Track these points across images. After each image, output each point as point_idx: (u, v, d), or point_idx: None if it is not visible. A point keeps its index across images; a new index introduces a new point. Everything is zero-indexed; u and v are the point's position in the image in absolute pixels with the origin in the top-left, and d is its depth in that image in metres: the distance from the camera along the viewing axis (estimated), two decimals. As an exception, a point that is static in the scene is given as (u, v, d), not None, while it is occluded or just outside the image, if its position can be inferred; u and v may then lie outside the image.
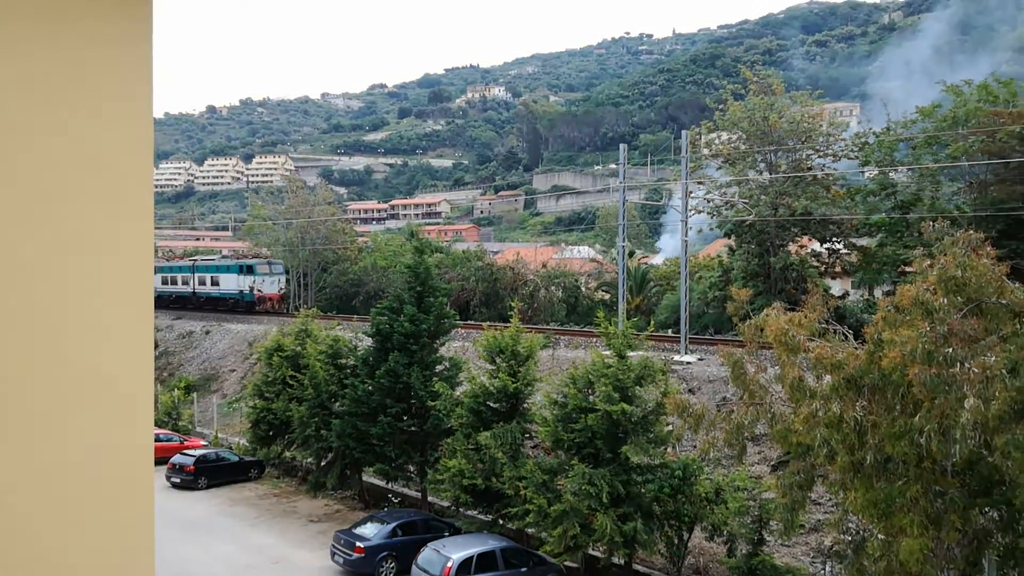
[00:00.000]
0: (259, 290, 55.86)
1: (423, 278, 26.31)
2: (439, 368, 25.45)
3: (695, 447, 18.95)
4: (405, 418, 25.30)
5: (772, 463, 19.83)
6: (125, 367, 2.54)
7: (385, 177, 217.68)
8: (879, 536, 12.00)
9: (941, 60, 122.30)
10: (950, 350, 11.60)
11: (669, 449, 18.92)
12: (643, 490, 17.20)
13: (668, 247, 70.42)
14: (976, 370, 11.29)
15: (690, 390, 24.61)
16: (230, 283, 57.04)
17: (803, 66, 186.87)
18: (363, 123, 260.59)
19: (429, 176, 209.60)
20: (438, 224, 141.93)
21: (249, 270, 56.65)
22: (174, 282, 62.43)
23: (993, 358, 11.91)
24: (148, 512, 2.60)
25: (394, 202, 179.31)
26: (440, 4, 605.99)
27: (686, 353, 28.95)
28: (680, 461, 17.90)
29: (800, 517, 14.04)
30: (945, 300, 12.41)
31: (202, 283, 59.94)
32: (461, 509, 22.25)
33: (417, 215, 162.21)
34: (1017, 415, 11.47)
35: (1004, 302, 12.64)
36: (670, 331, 37.46)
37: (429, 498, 25.52)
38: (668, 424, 19.03)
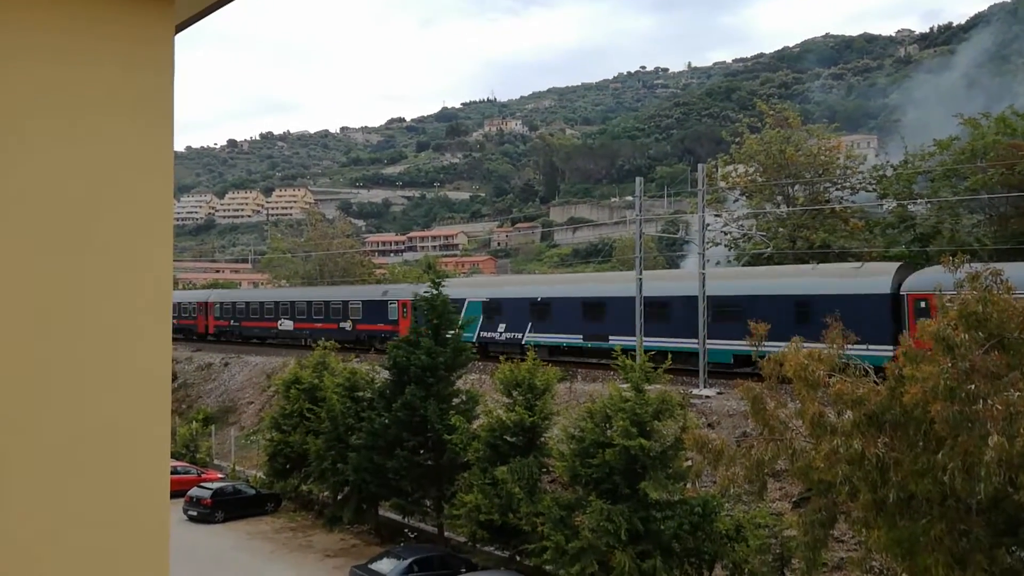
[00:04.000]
0: None
1: (440, 310, 26.39)
2: (456, 401, 25.43)
3: (714, 483, 18.73)
4: (421, 452, 25.24)
5: (793, 500, 19.57)
6: (142, 400, 2.58)
7: (403, 209, 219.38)
8: (903, 576, 11.78)
9: (974, 90, 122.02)
10: (972, 386, 11.47)
11: (688, 485, 18.71)
12: (662, 527, 16.99)
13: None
14: (999, 407, 11.14)
15: (709, 424, 24.40)
16: None
17: (819, 99, 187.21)
18: (382, 156, 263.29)
19: (446, 208, 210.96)
20: (455, 256, 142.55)
21: None
22: None
23: (1017, 394, 11.76)
24: (163, 546, 2.62)
25: (412, 234, 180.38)
26: (457, 39, 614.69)
27: (705, 387, 28.75)
28: (700, 497, 17.70)
29: (823, 555, 13.80)
30: (967, 336, 12.26)
31: None
32: (478, 545, 22.07)
33: (435, 247, 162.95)
34: (1045, 453, 11.29)
35: (1026, 338, 12.48)
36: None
37: (446, 533, 25.35)
38: (687, 459, 18.85)
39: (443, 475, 24.67)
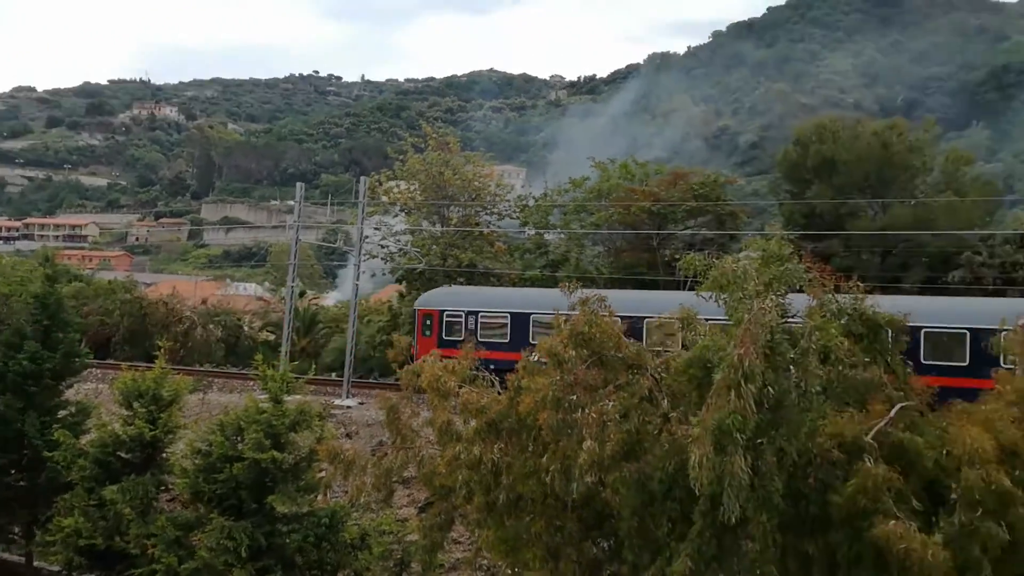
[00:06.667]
0: None
1: (53, 310, 23.14)
2: (63, 414, 22.31)
3: (346, 493, 18.71)
4: (13, 472, 21.73)
5: (419, 505, 20.27)
6: None
7: (22, 191, 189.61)
8: (507, 571, 12.69)
9: (617, 135, 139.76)
10: (574, 397, 12.76)
11: (320, 496, 18.45)
12: (287, 541, 16.51)
13: (343, 289, 70.25)
14: (594, 415, 12.51)
15: (348, 435, 24.43)
16: None
17: (480, 128, 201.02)
18: (1, 127, 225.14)
19: (77, 194, 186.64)
20: (83, 249, 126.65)
21: None
22: None
23: (611, 404, 13.36)
24: None
25: (29, 220, 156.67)
26: (108, 10, 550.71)
27: (347, 397, 28.81)
28: (328, 508, 17.54)
29: (439, 557, 14.39)
30: (574, 353, 13.62)
31: None
32: (74, 573, 19.51)
33: (58, 237, 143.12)
34: (626, 455, 12.93)
35: (621, 355, 14.19)
36: (334, 375, 37.34)
37: (36, 563, 22.00)
38: (321, 471, 18.57)
39: (39, 497, 21.43)
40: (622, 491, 12.22)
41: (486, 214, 45.00)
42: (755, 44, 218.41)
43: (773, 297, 12.02)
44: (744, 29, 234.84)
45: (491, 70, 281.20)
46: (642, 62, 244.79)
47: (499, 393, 14.81)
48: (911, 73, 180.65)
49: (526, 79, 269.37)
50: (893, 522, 9.64)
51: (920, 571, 9.27)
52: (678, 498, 11.16)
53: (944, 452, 10.75)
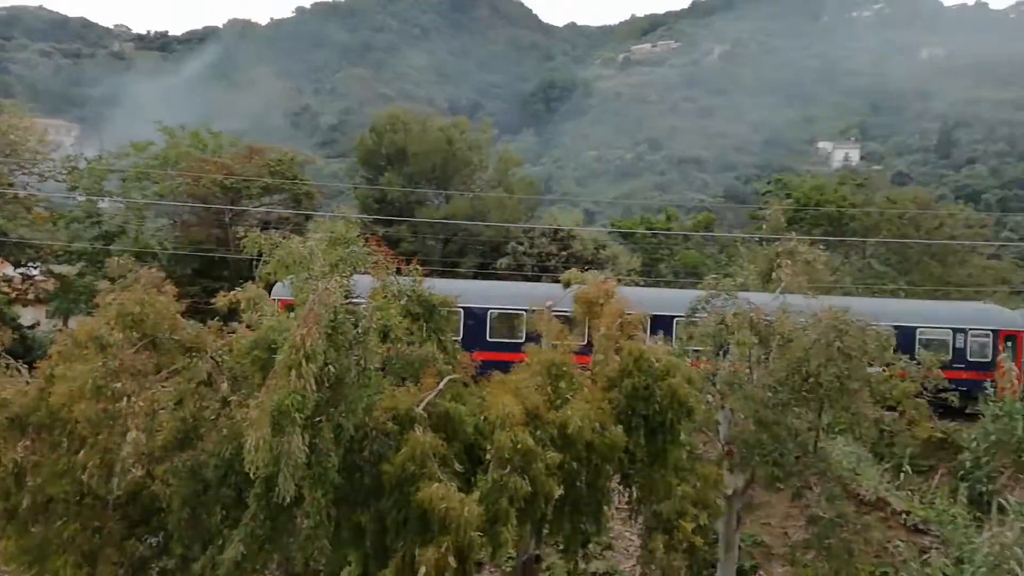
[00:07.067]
0: None
1: None
2: None
3: None
4: None
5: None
6: None
7: None
8: (31, 585, 11.18)
9: (192, 98, 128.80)
10: (120, 384, 11.63)
11: None
12: None
13: None
14: (142, 404, 11.57)
15: None
16: None
17: (23, 73, 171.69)
18: None
19: None
20: None
21: None
22: None
23: (164, 390, 12.44)
24: None
25: None
26: None
27: None
28: None
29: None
30: (122, 335, 12.41)
31: None
32: None
33: None
34: (180, 444, 12.19)
35: (177, 338, 13.29)
36: None
37: None
38: None
39: None
40: (173, 482, 11.60)
41: (23, 174, 38.40)
42: (339, 26, 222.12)
43: (338, 278, 12.26)
44: (329, 10, 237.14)
45: (40, 8, 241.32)
46: (222, 26, 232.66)
47: (27, 383, 12.90)
48: (476, 77, 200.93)
49: (84, 24, 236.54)
50: (436, 485, 10.53)
51: (457, 527, 10.27)
52: (233, 484, 10.89)
53: (483, 418, 12.03)
